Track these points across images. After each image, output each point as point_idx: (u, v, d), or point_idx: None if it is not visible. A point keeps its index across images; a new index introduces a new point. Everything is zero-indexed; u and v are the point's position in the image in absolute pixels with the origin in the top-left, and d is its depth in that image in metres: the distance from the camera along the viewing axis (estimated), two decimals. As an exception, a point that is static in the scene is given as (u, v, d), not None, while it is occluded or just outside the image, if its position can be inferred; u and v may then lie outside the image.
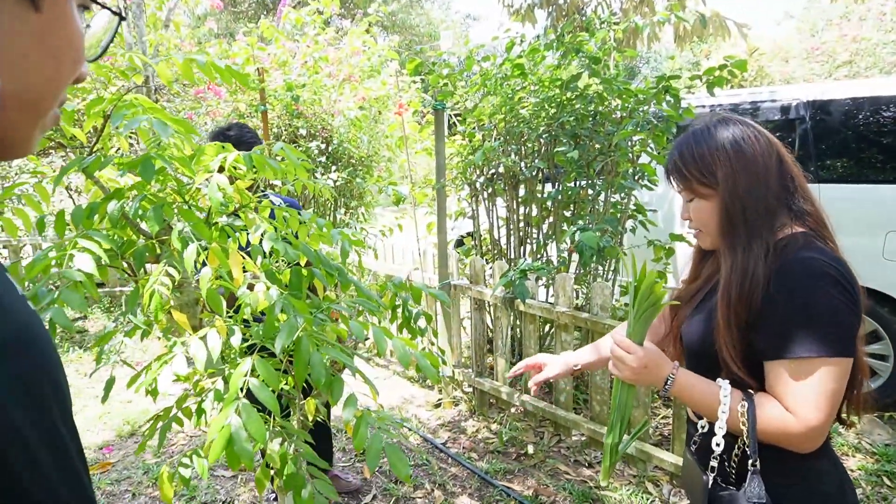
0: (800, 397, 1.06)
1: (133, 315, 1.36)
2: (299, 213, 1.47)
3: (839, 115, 3.53)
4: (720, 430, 1.13)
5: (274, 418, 1.35)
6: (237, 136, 2.30)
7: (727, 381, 1.15)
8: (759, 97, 3.94)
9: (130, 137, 4.22)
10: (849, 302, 1.06)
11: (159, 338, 3.20)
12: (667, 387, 1.19)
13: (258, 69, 4.62)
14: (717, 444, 1.13)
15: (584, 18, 4.11)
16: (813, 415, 1.05)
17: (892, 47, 11.10)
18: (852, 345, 1.06)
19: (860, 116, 3.47)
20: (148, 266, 2.03)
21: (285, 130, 4.75)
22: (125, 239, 1.33)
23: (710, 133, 1.22)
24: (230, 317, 1.34)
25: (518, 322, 3.51)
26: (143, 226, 1.28)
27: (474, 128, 3.75)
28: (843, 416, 1.19)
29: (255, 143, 2.32)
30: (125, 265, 1.37)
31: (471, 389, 3.60)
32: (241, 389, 1.09)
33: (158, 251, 1.34)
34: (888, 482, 2.76)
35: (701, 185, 1.21)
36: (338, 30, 6.01)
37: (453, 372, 3.60)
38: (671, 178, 1.28)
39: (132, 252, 1.31)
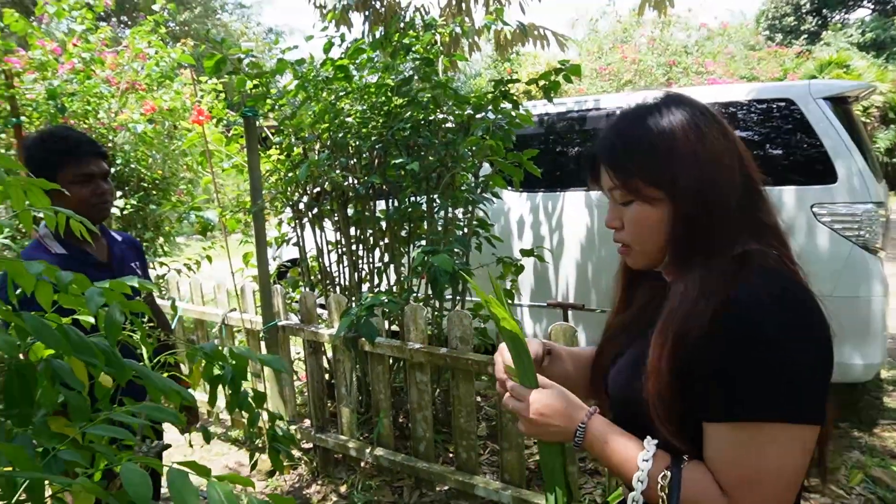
0: (743, 478, 0.78)
1: None
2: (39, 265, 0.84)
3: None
4: (634, 503, 0.83)
5: None
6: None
7: (654, 442, 0.84)
8: (584, 105, 3.92)
9: None
10: (823, 349, 0.79)
11: None
12: (576, 440, 0.87)
13: (4, 72, 3.64)
14: None
15: (404, 23, 3.78)
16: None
17: (664, 69, 12.53)
18: (823, 408, 0.79)
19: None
20: None
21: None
22: None
23: (662, 115, 0.88)
24: None
25: (363, 364, 3.05)
26: None
27: (293, 140, 3.23)
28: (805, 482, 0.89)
29: None
30: None
31: (311, 447, 3.05)
32: None
33: None
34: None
35: (649, 184, 0.88)
36: (116, 36, 5.08)
37: (288, 429, 3.01)
38: (601, 171, 0.94)
39: None
